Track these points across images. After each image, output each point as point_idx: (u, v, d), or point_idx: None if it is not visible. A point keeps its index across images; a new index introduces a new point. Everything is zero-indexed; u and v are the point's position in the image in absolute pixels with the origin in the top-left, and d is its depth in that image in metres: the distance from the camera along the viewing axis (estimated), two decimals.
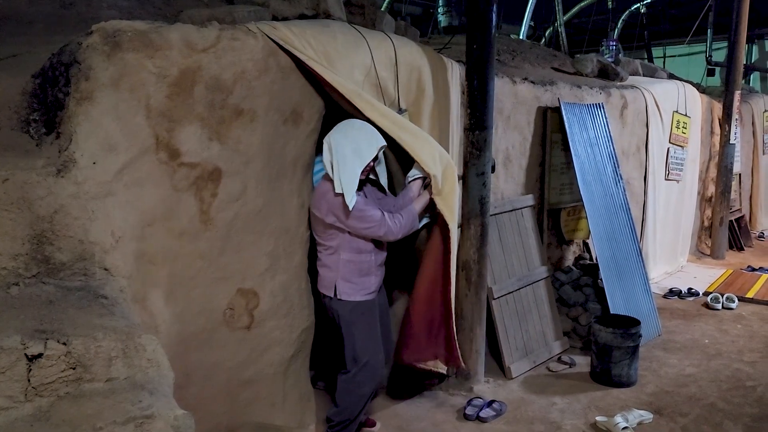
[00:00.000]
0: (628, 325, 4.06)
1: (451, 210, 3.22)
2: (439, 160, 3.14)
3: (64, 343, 1.79)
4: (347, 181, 2.85)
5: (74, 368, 1.79)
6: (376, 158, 3.01)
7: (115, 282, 2.37)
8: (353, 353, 3.06)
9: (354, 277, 3.03)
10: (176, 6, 3.63)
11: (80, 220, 2.27)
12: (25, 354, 1.72)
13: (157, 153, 2.50)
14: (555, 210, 5.10)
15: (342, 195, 2.84)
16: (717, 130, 7.45)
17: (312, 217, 3.07)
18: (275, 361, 3.03)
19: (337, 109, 3.10)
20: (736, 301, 5.60)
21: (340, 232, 2.98)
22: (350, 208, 2.87)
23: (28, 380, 1.72)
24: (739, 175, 8.20)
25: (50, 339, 1.78)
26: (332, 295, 3.06)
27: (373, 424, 3.42)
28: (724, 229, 7.35)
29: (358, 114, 3.04)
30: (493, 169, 3.75)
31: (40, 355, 1.74)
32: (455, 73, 3.73)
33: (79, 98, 2.30)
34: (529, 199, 4.64)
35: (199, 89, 2.57)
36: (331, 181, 2.90)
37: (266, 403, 3.03)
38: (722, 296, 5.62)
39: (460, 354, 3.53)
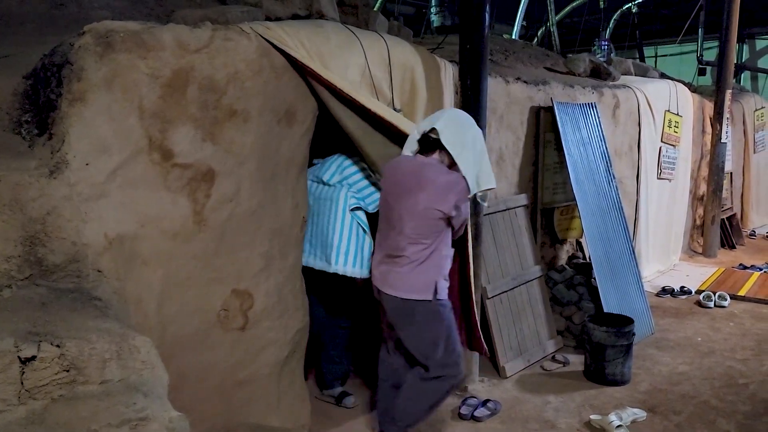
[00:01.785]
0: (621, 324, 4.07)
1: None
2: None
3: (58, 346, 1.78)
4: (491, 173, 2.87)
5: (68, 371, 1.78)
6: None
7: (109, 284, 2.36)
8: (441, 356, 2.90)
9: (446, 273, 2.91)
10: (168, 6, 3.62)
11: (73, 221, 2.26)
12: (18, 356, 1.71)
13: (150, 154, 2.49)
14: (548, 209, 5.12)
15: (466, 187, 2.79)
16: (708, 129, 7.50)
17: (418, 213, 2.77)
18: (270, 362, 3.02)
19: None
20: (728, 299, 5.63)
21: (445, 226, 2.83)
22: (484, 204, 3.00)
23: (22, 383, 1.71)
24: (731, 173, 8.24)
25: (43, 341, 1.77)
26: (431, 298, 2.83)
27: None
28: (715, 227, 7.40)
29: (344, 116, 3.05)
30: None
31: (33, 358, 1.73)
32: (448, 73, 3.73)
33: (72, 99, 2.29)
34: (523, 199, 4.65)
35: (192, 90, 2.56)
36: (455, 171, 2.79)
37: (262, 404, 3.03)
38: (714, 294, 5.65)
39: (481, 337, 3.42)
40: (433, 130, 2.80)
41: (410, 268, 2.83)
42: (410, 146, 2.91)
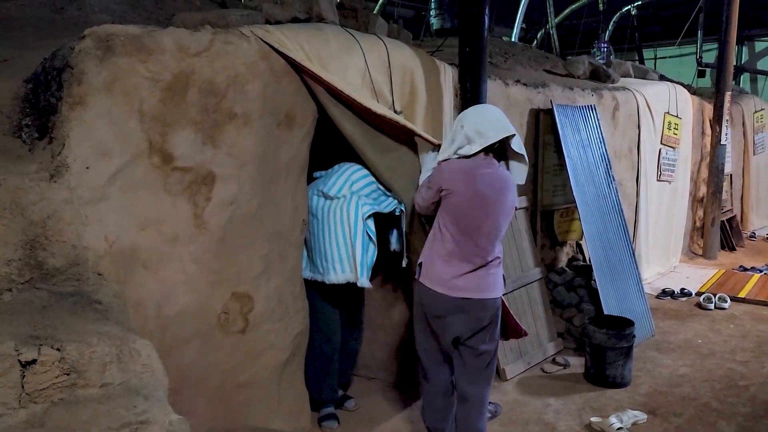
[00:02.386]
0: (621, 326, 4.08)
1: None
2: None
3: (58, 349, 1.78)
4: None
5: (68, 374, 1.78)
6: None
7: (109, 287, 2.36)
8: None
9: None
10: (168, 10, 3.63)
11: (73, 225, 2.27)
12: (19, 360, 1.71)
13: (150, 157, 2.49)
14: (548, 212, 5.12)
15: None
16: (708, 131, 7.51)
17: (508, 213, 2.91)
18: (270, 365, 3.02)
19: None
20: (729, 300, 5.63)
21: None
22: None
23: (22, 386, 1.71)
24: (730, 175, 8.25)
25: (44, 345, 1.77)
26: (502, 292, 2.95)
27: None
28: (715, 229, 7.40)
29: (343, 119, 3.06)
30: None
31: (33, 361, 1.73)
32: (448, 76, 3.74)
33: (72, 103, 2.29)
34: (522, 201, 4.65)
35: (192, 93, 2.57)
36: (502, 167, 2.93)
37: (262, 407, 3.02)
38: (714, 296, 5.65)
39: (518, 322, 3.38)
40: (510, 136, 2.87)
41: (499, 267, 2.94)
42: (452, 150, 2.87)
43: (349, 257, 3.20)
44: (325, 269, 3.25)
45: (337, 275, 3.23)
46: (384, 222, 3.45)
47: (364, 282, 3.19)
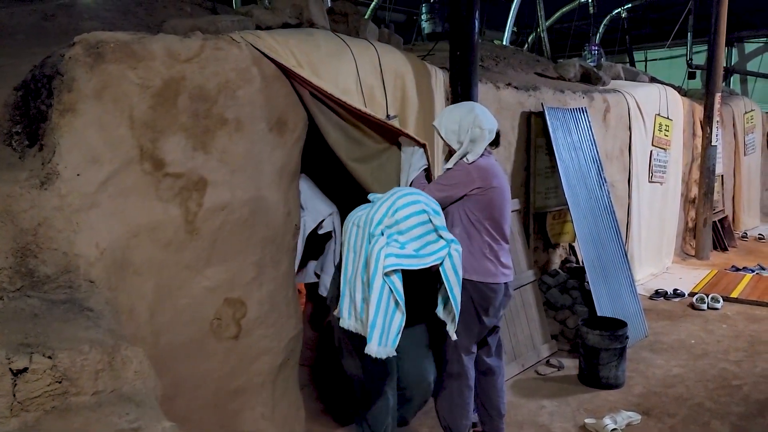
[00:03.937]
0: (615, 327, 4.09)
1: None
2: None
3: (50, 357, 1.78)
4: None
5: (60, 382, 1.78)
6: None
7: (101, 294, 2.35)
8: None
9: None
10: (159, 16, 3.63)
11: (64, 232, 2.26)
12: (10, 368, 1.71)
13: (141, 164, 2.49)
14: (541, 214, 5.14)
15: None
16: (699, 132, 7.55)
17: (509, 207, 3.17)
18: (264, 371, 3.02)
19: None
20: (721, 301, 5.66)
21: None
22: None
23: (14, 395, 1.71)
24: (722, 176, 8.30)
25: (35, 353, 1.76)
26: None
27: None
28: (707, 230, 7.44)
29: (329, 126, 3.06)
30: None
31: (25, 370, 1.72)
32: (439, 80, 3.75)
33: (62, 110, 2.29)
34: (515, 204, 4.67)
35: (182, 99, 2.57)
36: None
37: (256, 413, 3.02)
38: (707, 296, 5.68)
39: None
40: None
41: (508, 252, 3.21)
42: (480, 150, 3.02)
43: (359, 308, 2.65)
44: (340, 306, 2.75)
45: (344, 320, 2.72)
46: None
47: (371, 348, 2.53)
